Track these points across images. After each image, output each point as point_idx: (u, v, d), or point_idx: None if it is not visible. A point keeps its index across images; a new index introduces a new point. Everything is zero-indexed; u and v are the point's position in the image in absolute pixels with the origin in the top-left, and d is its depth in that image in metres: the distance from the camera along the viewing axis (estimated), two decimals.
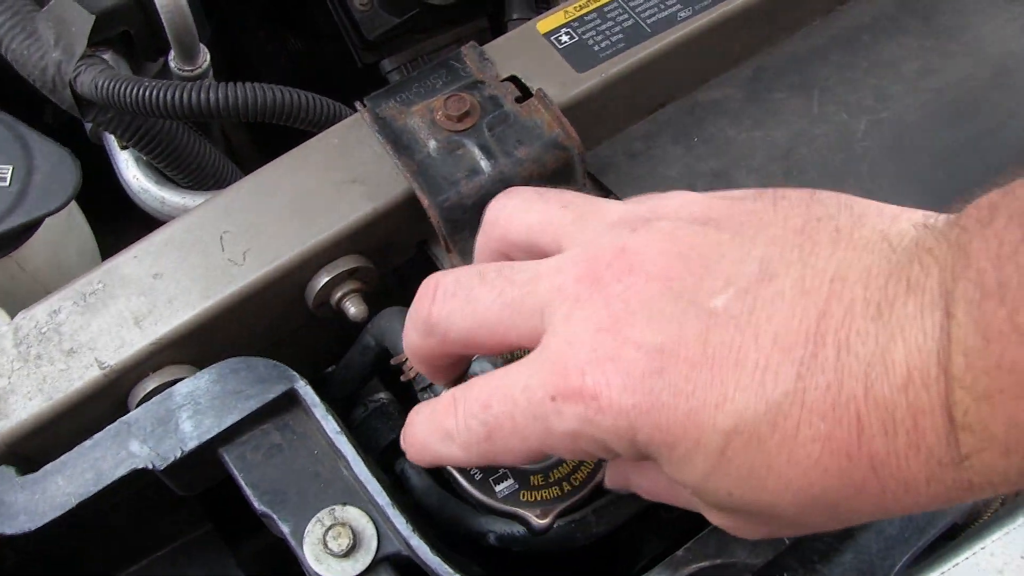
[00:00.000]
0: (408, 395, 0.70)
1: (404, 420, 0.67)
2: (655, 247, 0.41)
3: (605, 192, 0.66)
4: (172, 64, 0.75)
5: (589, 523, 0.56)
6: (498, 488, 0.57)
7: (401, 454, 0.66)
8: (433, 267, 0.65)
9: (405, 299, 0.67)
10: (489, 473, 0.57)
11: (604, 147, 0.69)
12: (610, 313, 0.40)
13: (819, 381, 0.35)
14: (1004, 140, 0.72)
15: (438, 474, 0.63)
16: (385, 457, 0.66)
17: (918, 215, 0.39)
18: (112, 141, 0.77)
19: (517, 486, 0.56)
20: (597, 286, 0.41)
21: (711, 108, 0.71)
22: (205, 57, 0.76)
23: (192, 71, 0.75)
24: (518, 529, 0.56)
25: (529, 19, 0.86)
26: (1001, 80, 0.75)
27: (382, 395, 0.69)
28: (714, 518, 0.43)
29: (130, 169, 0.75)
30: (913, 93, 0.74)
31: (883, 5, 0.79)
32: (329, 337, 0.68)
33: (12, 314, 0.62)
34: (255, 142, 1.06)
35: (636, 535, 0.62)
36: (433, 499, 0.63)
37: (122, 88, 0.64)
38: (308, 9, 1.03)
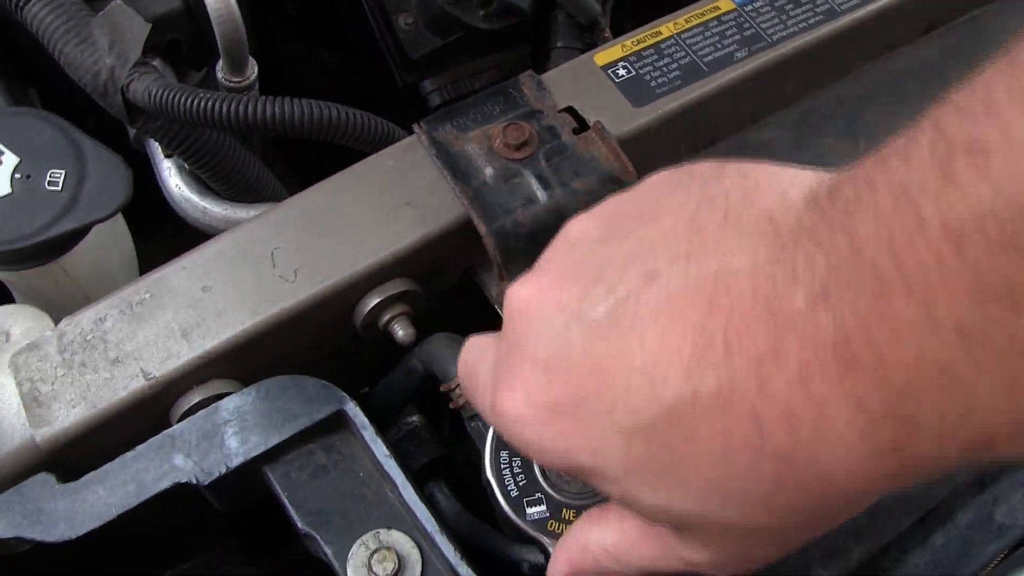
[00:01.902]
0: (440, 417, 0.70)
1: (436, 443, 0.67)
2: (551, 276, 0.43)
3: None
4: (220, 75, 0.75)
5: None
6: (529, 511, 0.56)
7: (432, 477, 0.66)
8: (479, 293, 0.65)
9: (446, 323, 0.67)
10: (525, 493, 0.56)
11: None
12: (513, 340, 0.42)
13: (709, 380, 0.35)
14: None
15: (469, 498, 0.63)
16: (417, 480, 0.65)
17: (808, 180, 0.37)
18: (156, 148, 0.76)
19: (548, 514, 0.56)
20: (510, 327, 0.43)
21: (760, 149, 0.72)
22: (253, 69, 0.76)
23: (240, 82, 0.75)
24: None
25: (574, 48, 0.87)
26: None
27: (414, 418, 0.69)
28: (684, 552, 0.43)
29: (173, 178, 0.75)
30: None
31: (929, 52, 0.79)
32: (368, 357, 0.68)
33: (55, 319, 0.62)
34: (279, 151, 1.06)
35: None
36: (464, 524, 0.63)
37: (176, 98, 0.64)
38: (342, 24, 1.03)
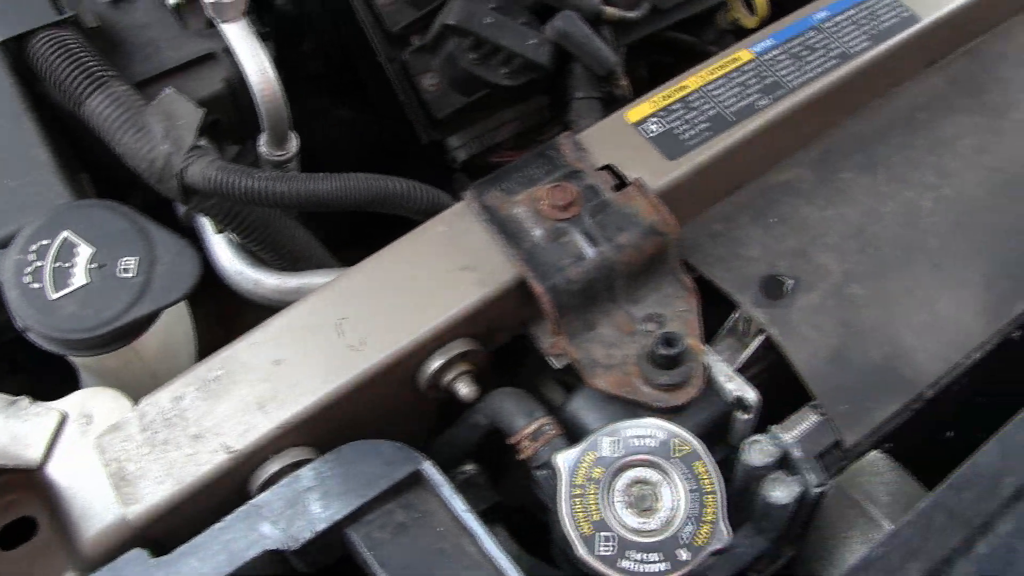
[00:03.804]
0: (497, 466, 0.73)
1: (491, 490, 0.70)
2: None
3: (691, 270, 0.69)
4: (262, 149, 0.78)
5: None
6: (599, 550, 0.58)
7: (492, 522, 0.69)
8: (531, 347, 0.68)
9: (501, 378, 0.70)
10: (598, 528, 0.58)
11: (687, 229, 0.72)
12: None
13: None
14: None
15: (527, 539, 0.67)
16: None
17: None
18: (205, 225, 0.79)
19: (615, 551, 0.58)
20: None
21: (784, 189, 0.75)
22: (294, 143, 0.79)
23: (282, 156, 0.78)
24: None
25: (593, 97, 0.90)
26: None
27: (470, 467, 0.71)
28: None
29: (224, 252, 0.78)
30: (972, 169, 0.77)
31: (935, 85, 0.83)
32: (426, 413, 0.70)
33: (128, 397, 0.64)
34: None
35: None
36: (524, 563, 0.65)
37: (234, 180, 0.67)
38: (360, 84, 1.07)
